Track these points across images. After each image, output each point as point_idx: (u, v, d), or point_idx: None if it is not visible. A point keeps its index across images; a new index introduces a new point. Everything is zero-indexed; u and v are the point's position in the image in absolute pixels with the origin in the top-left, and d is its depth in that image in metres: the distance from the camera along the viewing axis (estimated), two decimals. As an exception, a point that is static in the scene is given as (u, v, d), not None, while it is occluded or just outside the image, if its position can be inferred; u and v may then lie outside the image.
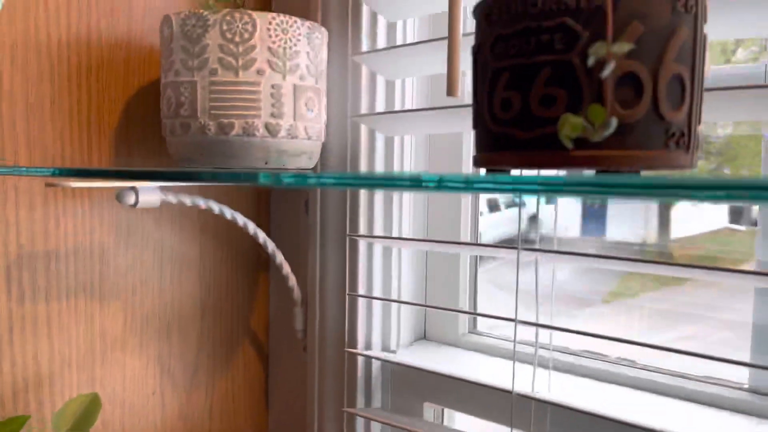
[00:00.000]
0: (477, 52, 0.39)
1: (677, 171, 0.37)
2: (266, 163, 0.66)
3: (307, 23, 0.66)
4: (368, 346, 0.80)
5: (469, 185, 0.32)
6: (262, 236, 0.79)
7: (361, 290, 0.79)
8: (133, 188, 0.66)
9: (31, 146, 0.67)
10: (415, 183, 0.32)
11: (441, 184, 0.32)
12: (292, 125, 0.66)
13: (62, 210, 0.70)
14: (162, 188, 0.69)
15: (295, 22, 0.65)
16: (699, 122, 0.38)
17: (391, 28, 0.78)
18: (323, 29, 0.69)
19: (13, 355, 0.67)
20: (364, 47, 0.76)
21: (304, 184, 0.37)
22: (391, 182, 0.34)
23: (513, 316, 0.65)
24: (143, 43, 0.76)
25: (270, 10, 0.87)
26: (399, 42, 0.77)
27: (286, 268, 0.82)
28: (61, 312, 0.71)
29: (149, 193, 0.67)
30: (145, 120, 0.76)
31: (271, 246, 0.80)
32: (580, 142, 0.35)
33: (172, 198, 0.71)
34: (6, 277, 0.66)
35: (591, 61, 0.33)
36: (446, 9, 0.60)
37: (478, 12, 0.39)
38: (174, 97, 0.65)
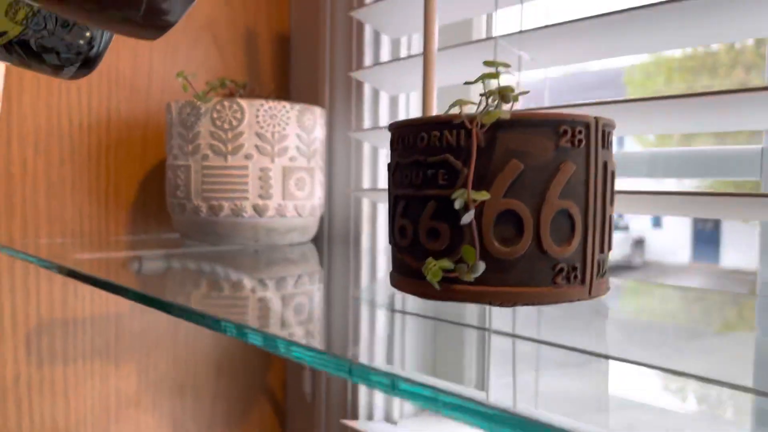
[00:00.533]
0: (388, 172, 0.40)
1: (575, 303, 0.36)
2: (256, 241, 0.69)
3: (298, 106, 0.69)
4: (370, 415, 0.81)
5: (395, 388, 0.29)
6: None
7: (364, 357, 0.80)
8: (137, 257, 0.70)
9: (51, 222, 0.73)
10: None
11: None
12: (281, 204, 0.69)
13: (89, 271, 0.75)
14: (167, 255, 0.74)
15: (284, 106, 0.68)
16: (604, 250, 0.37)
17: (393, 102, 0.79)
18: (318, 109, 0.72)
19: (32, 414, 0.73)
20: (366, 123, 0.78)
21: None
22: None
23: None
24: (160, 122, 0.81)
25: (288, 96, 0.91)
26: (401, 112, 0.79)
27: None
28: (77, 373, 0.76)
29: (154, 261, 0.72)
30: (160, 194, 0.82)
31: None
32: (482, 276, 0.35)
33: (177, 264, 0.75)
34: (26, 344, 0.73)
35: (457, 205, 0.33)
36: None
37: (390, 133, 0.40)
38: (173, 179, 0.70)
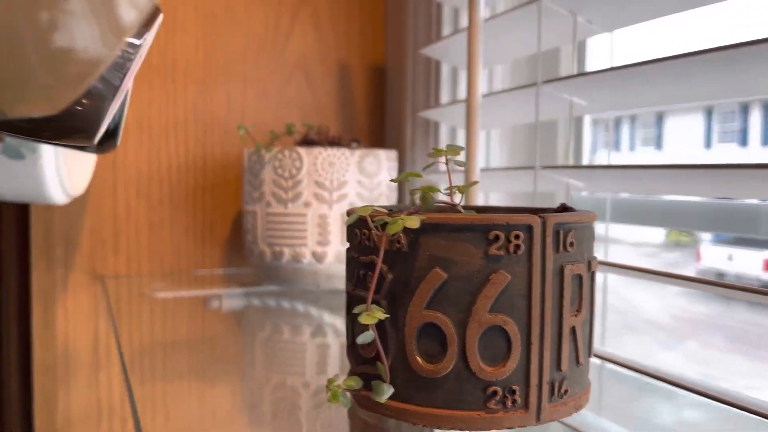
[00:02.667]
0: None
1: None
2: (317, 287, 0.70)
3: (359, 152, 0.69)
4: None
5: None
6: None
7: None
8: (218, 295, 0.75)
9: (151, 259, 0.81)
10: None
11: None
12: (340, 252, 0.69)
13: (175, 308, 0.82)
14: (246, 293, 0.78)
15: (343, 153, 0.68)
16: (563, 367, 0.31)
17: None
18: (383, 153, 0.71)
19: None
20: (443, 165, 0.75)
21: None
22: None
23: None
24: (251, 161, 0.85)
25: (383, 143, 0.90)
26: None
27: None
28: (176, 393, 0.83)
29: (233, 299, 0.76)
30: (253, 228, 0.86)
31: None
32: (399, 395, 0.32)
33: (256, 301, 0.78)
34: (131, 365, 0.81)
35: (361, 320, 0.30)
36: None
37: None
38: (245, 223, 0.73)
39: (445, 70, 0.75)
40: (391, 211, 0.32)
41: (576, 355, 0.32)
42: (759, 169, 0.38)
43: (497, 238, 0.30)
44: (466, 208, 0.34)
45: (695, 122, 1.18)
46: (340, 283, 0.70)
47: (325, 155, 0.67)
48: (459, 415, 0.31)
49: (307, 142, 0.73)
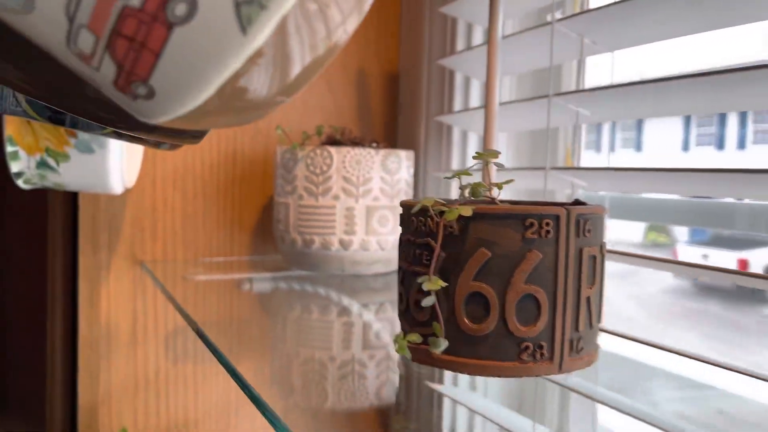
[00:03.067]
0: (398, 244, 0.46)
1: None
2: (343, 271, 0.78)
3: (383, 152, 0.76)
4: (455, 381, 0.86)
5: None
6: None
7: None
8: (249, 279, 0.83)
9: (186, 246, 0.88)
10: None
11: None
12: (365, 240, 0.76)
13: (207, 291, 0.90)
14: (273, 278, 0.85)
15: (369, 152, 0.76)
16: (580, 328, 0.40)
17: (481, 144, 0.83)
18: (404, 153, 0.79)
19: (168, 405, 0.88)
20: (454, 164, 0.83)
21: None
22: None
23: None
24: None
25: (396, 145, 0.98)
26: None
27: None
28: (205, 372, 0.91)
29: (263, 282, 0.83)
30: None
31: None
32: (450, 349, 0.40)
33: (283, 285, 0.86)
34: (165, 345, 0.88)
35: (424, 288, 0.38)
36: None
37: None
38: (277, 213, 0.80)
39: (458, 79, 0.83)
40: (444, 204, 0.40)
41: (590, 319, 0.41)
42: (736, 173, 0.47)
43: (532, 224, 0.38)
44: (503, 201, 0.42)
45: (674, 126, 1.27)
46: (363, 269, 0.78)
47: (352, 154, 0.75)
48: (498, 365, 0.39)
49: (333, 142, 0.81)
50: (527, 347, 0.39)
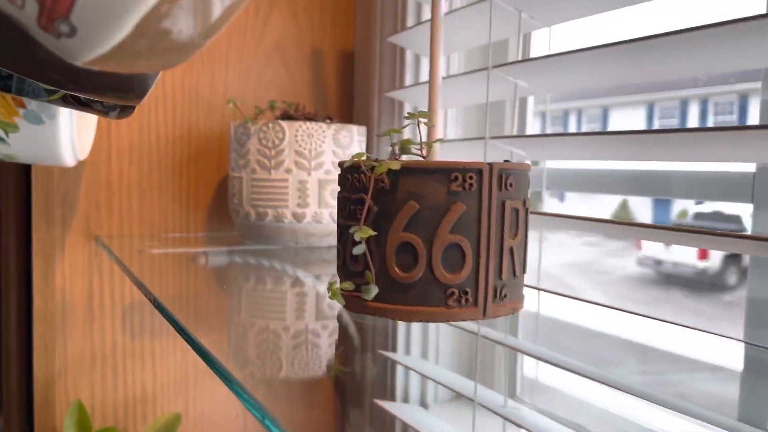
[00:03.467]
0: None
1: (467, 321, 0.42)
2: (296, 243, 0.80)
3: (334, 126, 0.78)
4: (405, 398, 0.89)
5: None
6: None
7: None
8: (205, 252, 0.84)
9: (141, 221, 0.89)
10: None
11: None
12: (317, 212, 0.78)
13: (164, 265, 0.91)
14: (229, 251, 0.87)
15: (321, 127, 0.77)
16: (503, 276, 0.42)
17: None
18: (355, 128, 0.80)
19: (126, 378, 0.89)
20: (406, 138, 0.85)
21: None
22: None
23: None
24: (233, 134, 0.94)
25: (351, 120, 1.00)
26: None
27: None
28: (162, 346, 0.92)
29: (218, 256, 0.85)
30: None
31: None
32: (379, 296, 0.42)
33: (238, 258, 0.87)
34: (122, 319, 0.89)
35: (356, 238, 0.40)
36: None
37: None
38: (231, 188, 0.82)
39: (408, 56, 0.85)
40: (376, 160, 0.42)
41: (513, 268, 0.43)
42: (667, 134, 0.50)
43: (456, 178, 0.40)
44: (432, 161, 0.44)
45: (637, 116, 1.30)
46: (317, 241, 0.80)
47: (305, 128, 0.77)
48: (426, 311, 0.41)
49: (287, 117, 0.82)
50: (453, 293, 0.41)
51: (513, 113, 0.80)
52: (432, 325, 0.70)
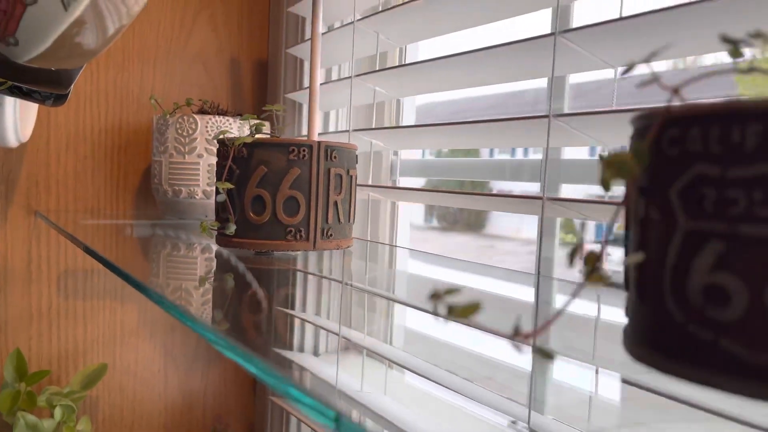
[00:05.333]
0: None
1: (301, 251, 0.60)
2: (206, 216, 0.96)
3: (239, 119, 0.95)
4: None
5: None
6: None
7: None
8: (131, 225, 0.99)
9: (77, 200, 1.03)
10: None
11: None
12: (225, 192, 0.95)
13: (96, 234, 1.05)
14: (152, 224, 1.02)
15: (227, 120, 0.94)
16: (329, 220, 0.60)
17: (326, 116, 1.03)
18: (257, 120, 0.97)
19: (59, 335, 1.04)
20: (304, 133, 1.03)
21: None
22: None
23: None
24: (158, 127, 1.09)
25: (263, 118, 1.17)
26: (331, 124, 1.03)
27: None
28: (93, 308, 1.06)
29: (142, 228, 1.00)
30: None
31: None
32: (236, 233, 0.59)
33: (159, 231, 1.03)
34: (57, 283, 1.03)
35: (219, 189, 0.57)
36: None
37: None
38: (153, 170, 0.98)
39: (306, 65, 1.02)
40: (237, 136, 0.59)
41: (338, 216, 0.61)
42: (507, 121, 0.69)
43: (293, 150, 0.58)
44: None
45: None
46: (224, 215, 0.96)
47: (214, 121, 0.93)
48: (272, 243, 0.59)
49: (203, 112, 0.98)
50: (291, 231, 0.58)
51: (390, 111, 0.98)
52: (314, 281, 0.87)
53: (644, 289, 0.25)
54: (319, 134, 1.00)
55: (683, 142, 0.22)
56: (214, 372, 1.20)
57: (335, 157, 0.60)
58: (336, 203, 0.61)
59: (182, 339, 1.15)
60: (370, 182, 0.96)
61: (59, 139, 1.02)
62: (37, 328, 1.02)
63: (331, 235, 0.61)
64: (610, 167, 0.22)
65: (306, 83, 1.03)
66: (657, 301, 0.24)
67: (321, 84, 0.86)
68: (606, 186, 0.22)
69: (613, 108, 0.54)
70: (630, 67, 0.24)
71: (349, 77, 0.81)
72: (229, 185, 0.57)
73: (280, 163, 0.58)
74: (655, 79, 0.22)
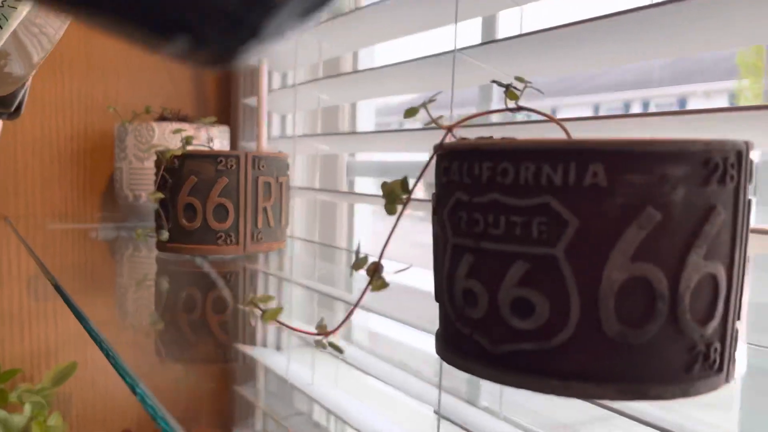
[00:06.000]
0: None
1: (231, 256, 0.65)
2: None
3: (195, 125, 0.99)
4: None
5: None
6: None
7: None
8: (96, 228, 1.04)
9: (44, 204, 1.08)
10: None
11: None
12: (183, 195, 0.99)
13: (63, 239, 1.10)
14: (116, 227, 1.07)
15: (185, 126, 0.98)
16: (250, 226, 0.64)
17: (283, 120, 1.08)
18: (215, 128, 1.02)
19: (32, 334, 1.08)
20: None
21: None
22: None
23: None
24: (123, 133, 1.14)
25: (233, 115, 1.21)
26: (288, 128, 1.08)
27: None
28: (64, 307, 1.11)
29: (107, 231, 1.05)
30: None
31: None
32: (171, 239, 0.64)
33: (124, 233, 1.08)
34: (28, 284, 1.08)
35: (150, 199, 0.62)
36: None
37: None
38: (116, 176, 1.02)
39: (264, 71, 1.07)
40: (168, 149, 0.64)
41: (267, 221, 0.65)
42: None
43: (221, 161, 0.62)
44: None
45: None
46: (183, 218, 1.01)
47: (171, 128, 0.98)
48: (203, 248, 0.63)
49: (163, 118, 1.03)
50: (221, 236, 0.63)
51: (349, 119, 1.03)
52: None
53: (436, 293, 0.29)
54: (276, 138, 1.05)
55: (449, 173, 0.27)
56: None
57: (263, 166, 0.65)
58: (265, 209, 0.65)
59: (140, 298, 1.20)
60: (317, 185, 1.01)
61: (26, 146, 1.06)
62: (9, 328, 1.06)
63: (261, 238, 0.65)
64: (384, 192, 0.26)
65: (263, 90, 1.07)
66: (442, 303, 0.29)
67: (278, 89, 0.91)
68: (388, 211, 0.27)
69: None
70: (412, 113, 0.28)
71: (293, 86, 0.86)
72: (160, 195, 0.62)
73: (209, 173, 0.63)
74: (434, 120, 0.27)
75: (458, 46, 0.56)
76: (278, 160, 0.67)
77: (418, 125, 0.74)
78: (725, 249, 0.24)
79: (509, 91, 0.28)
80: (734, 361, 0.26)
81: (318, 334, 0.26)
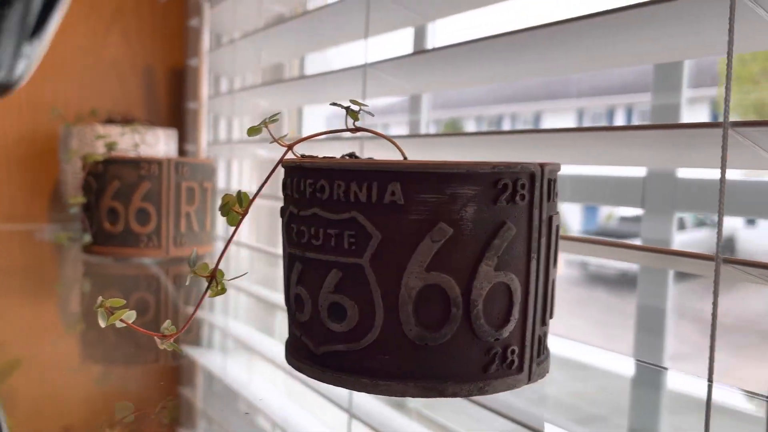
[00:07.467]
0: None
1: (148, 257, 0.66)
2: (111, 222, 1.02)
3: (142, 129, 1.01)
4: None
5: None
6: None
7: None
8: (41, 228, 1.05)
9: (-10, 205, 1.09)
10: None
11: None
12: (127, 198, 1.01)
13: (11, 239, 1.11)
14: (63, 228, 1.07)
15: (108, 134, 1.00)
16: (173, 230, 0.66)
17: (230, 124, 1.09)
18: (162, 131, 1.03)
19: (-24, 332, 1.09)
20: (204, 139, 1.09)
21: None
22: None
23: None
24: (72, 135, 1.15)
25: (179, 126, 1.22)
26: (235, 132, 1.09)
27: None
28: (9, 305, 1.11)
29: (54, 231, 1.06)
30: (73, 185, 1.16)
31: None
32: (96, 242, 0.65)
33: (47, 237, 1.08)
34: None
35: (70, 202, 0.64)
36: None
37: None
38: (62, 177, 1.03)
39: (211, 76, 1.08)
40: (93, 155, 0.65)
41: (191, 225, 0.67)
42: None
43: (143, 166, 0.64)
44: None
45: (568, 120, 1.36)
46: (128, 220, 1.02)
47: (118, 131, 0.99)
48: (126, 251, 0.65)
49: (110, 121, 1.04)
50: (143, 239, 0.65)
51: (297, 122, 1.05)
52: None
53: (285, 299, 0.31)
54: (222, 143, 1.07)
55: (285, 187, 0.29)
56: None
57: (186, 172, 0.67)
58: (189, 213, 0.67)
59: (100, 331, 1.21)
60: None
61: (-28, 148, 1.07)
62: (-47, 328, 1.07)
63: (184, 242, 0.67)
64: (221, 203, 0.28)
65: (211, 92, 1.09)
66: (289, 309, 0.31)
67: (226, 94, 0.92)
68: (228, 222, 0.29)
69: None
70: (256, 130, 0.30)
71: (231, 92, 0.88)
72: (82, 199, 0.64)
73: (131, 178, 0.64)
74: (276, 140, 0.29)
75: (369, 61, 0.59)
76: (203, 166, 0.69)
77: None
78: (519, 261, 0.26)
79: (350, 112, 0.30)
80: (538, 362, 0.28)
81: (163, 336, 0.28)
